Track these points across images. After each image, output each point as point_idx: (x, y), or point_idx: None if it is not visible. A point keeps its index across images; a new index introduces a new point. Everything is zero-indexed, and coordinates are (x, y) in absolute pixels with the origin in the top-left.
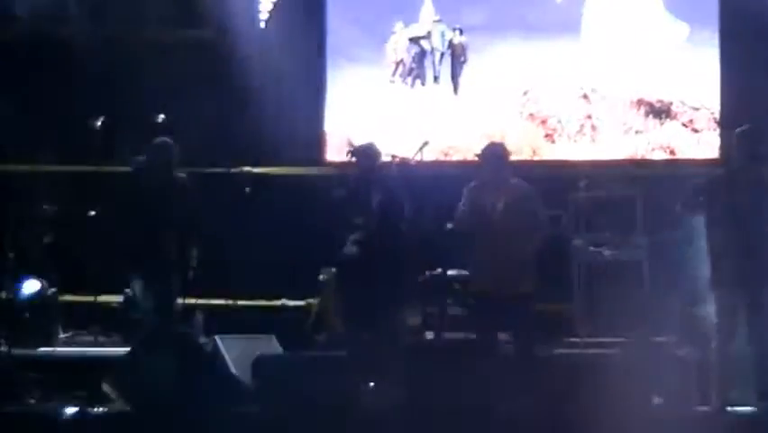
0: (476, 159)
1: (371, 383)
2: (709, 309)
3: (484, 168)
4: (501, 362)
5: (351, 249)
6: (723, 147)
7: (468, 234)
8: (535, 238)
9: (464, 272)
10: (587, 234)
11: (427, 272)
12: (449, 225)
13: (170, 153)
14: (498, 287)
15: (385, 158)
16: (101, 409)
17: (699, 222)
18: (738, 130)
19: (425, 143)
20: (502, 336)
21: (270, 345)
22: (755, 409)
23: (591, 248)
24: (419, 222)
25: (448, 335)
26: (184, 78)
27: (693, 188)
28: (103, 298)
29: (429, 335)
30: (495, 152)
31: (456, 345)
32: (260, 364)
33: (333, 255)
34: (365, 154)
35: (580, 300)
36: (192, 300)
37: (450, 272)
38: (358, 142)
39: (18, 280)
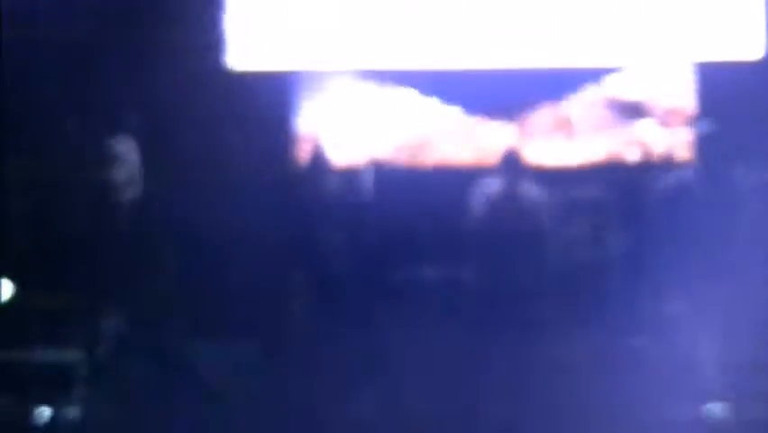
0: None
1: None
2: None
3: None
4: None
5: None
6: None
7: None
8: None
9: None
10: (560, 234)
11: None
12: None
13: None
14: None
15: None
16: (75, 412)
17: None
18: None
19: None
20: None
21: (247, 347)
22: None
23: (565, 247)
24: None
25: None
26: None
27: None
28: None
29: (403, 334)
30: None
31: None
32: (236, 366)
33: (306, 257)
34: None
35: (554, 299)
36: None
37: (425, 272)
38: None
39: None
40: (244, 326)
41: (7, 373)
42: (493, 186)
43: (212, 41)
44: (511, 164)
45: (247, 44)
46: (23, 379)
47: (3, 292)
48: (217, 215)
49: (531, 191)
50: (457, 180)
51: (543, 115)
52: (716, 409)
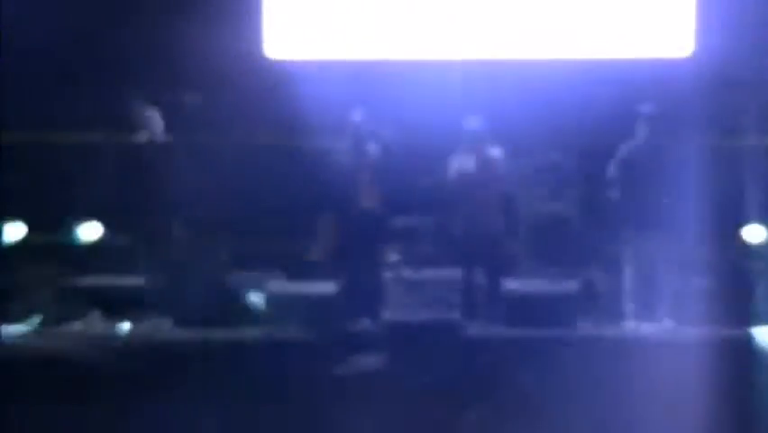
0: None
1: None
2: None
3: None
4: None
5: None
6: None
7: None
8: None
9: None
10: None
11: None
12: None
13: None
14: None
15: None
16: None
17: None
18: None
19: None
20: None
21: (280, 277)
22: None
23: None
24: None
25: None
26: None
27: None
28: None
29: (406, 270)
30: None
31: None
32: (271, 292)
33: (330, 203)
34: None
35: (525, 244)
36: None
37: (423, 219)
38: None
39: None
40: (275, 259)
41: (95, 295)
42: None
43: (251, 33)
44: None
45: (285, 34)
46: (107, 300)
47: (93, 233)
48: (252, 171)
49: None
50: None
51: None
52: (657, 328)
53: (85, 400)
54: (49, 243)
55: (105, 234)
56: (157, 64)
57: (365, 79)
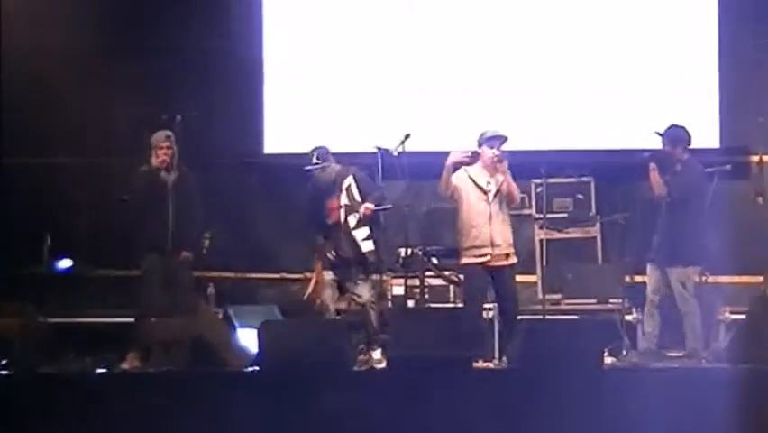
0: None
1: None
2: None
3: None
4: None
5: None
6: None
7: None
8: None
9: (442, 248)
10: (548, 215)
11: (409, 249)
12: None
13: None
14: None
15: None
16: (125, 368)
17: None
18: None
19: (407, 136)
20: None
21: (272, 313)
22: None
23: (551, 227)
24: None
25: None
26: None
27: None
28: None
29: (410, 303)
30: None
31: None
32: (263, 329)
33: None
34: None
35: (542, 272)
36: (205, 274)
37: (429, 248)
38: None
39: (54, 258)
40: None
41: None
42: None
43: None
44: None
45: (278, 130)
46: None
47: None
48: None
49: None
50: None
51: None
52: None
53: None
54: None
55: None
56: None
57: None
